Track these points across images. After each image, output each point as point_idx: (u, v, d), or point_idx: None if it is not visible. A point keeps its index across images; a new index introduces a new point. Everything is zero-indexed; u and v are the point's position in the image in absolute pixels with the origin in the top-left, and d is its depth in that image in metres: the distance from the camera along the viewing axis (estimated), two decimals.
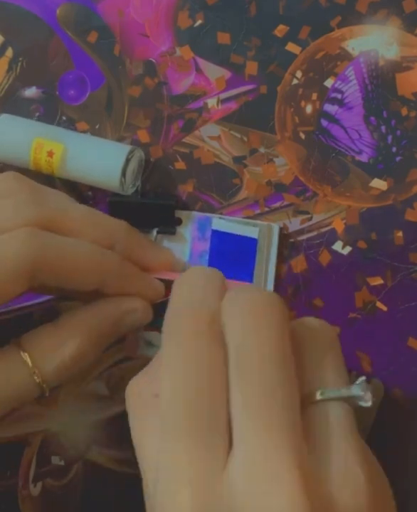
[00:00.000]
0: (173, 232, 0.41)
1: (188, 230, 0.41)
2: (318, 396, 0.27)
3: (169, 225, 0.41)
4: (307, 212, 0.41)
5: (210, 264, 0.41)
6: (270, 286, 0.41)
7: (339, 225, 0.40)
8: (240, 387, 0.26)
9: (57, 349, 0.35)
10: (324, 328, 0.31)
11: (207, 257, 0.41)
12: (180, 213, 0.41)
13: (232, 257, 0.41)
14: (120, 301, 0.37)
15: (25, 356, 0.35)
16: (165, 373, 0.27)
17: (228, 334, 0.28)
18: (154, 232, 0.41)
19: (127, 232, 0.38)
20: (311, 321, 0.31)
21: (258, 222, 0.40)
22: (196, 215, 0.41)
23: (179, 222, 0.41)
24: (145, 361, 0.34)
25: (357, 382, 0.28)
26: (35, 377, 0.34)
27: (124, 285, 0.37)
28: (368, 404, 0.27)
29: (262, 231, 0.40)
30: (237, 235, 0.41)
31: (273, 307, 0.28)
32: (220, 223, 0.41)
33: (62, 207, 0.36)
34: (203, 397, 0.26)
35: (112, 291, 0.37)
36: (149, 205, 0.41)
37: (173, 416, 0.26)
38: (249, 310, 0.28)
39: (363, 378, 0.28)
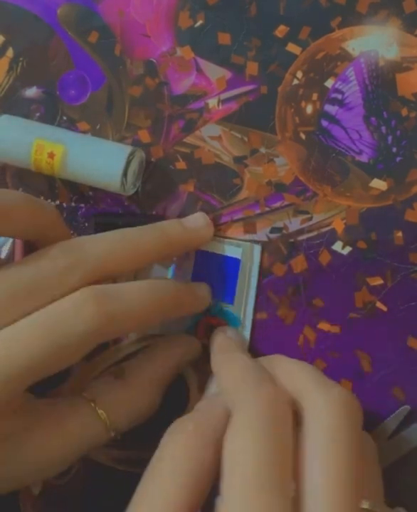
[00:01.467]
0: None
1: None
2: (365, 505, 0.30)
3: None
4: (307, 212, 0.41)
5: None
6: (251, 305, 0.41)
7: (339, 225, 0.40)
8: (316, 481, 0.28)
9: (130, 406, 0.38)
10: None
11: (190, 277, 0.42)
12: None
13: (215, 277, 0.41)
14: (177, 345, 0.40)
15: (102, 414, 0.37)
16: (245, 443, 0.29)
17: (310, 424, 0.30)
18: None
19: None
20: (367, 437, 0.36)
21: (242, 242, 0.40)
22: None
23: None
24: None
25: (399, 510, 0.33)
26: (112, 433, 0.37)
27: (179, 313, 0.39)
28: None
29: (246, 251, 0.40)
30: (220, 255, 0.41)
31: (359, 418, 0.31)
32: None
33: (97, 248, 0.36)
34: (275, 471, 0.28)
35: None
36: (134, 225, 0.40)
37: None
38: (341, 412, 0.30)
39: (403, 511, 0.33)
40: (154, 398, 0.39)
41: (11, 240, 0.43)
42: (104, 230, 0.39)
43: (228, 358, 0.37)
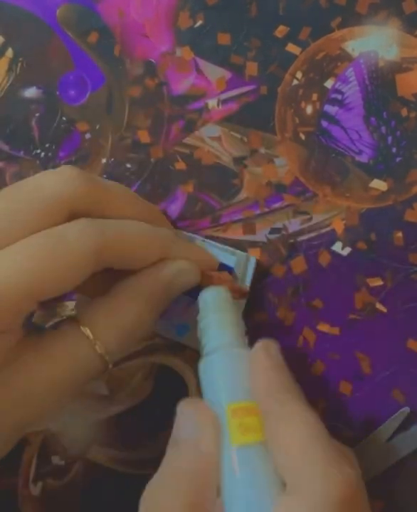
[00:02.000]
0: None
1: None
2: None
3: None
4: (307, 213, 0.41)
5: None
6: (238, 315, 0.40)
7: (338, 226, 0.40)
8: None
9: (115, 318, 0.35)
10: None
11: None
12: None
13: None
14: (169, 264, 0.37)
15: (86, 330, 0.34)
16: None
17: None
18: None
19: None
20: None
21: (238, 251, 0.40)
22: (184, 234, 0.41)
23: None
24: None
25: None
26: (98, 348, 0.34)
27: (183, 252, 0.37)
28: None
29: (239, 261, 0.40)
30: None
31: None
32: (202, 247, 0.41)
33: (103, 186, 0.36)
34: None
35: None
36: None
37: None
38: None
39: None
40: (143, 315, 0.36)
41: None
42: None
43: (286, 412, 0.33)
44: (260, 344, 0.35)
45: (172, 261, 0.37)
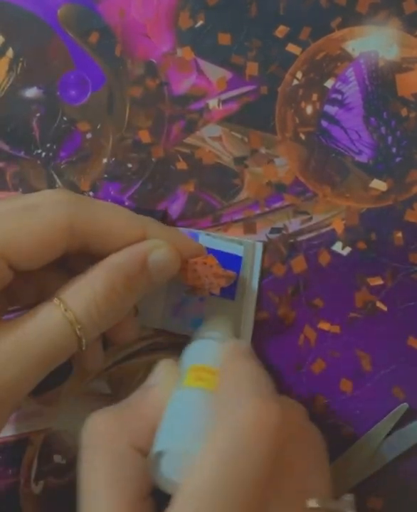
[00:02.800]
0: None
1: None
2: (312, 504, 0.31)
3: None
4: (307, 213, 0.41)
5: None
6: (253, 303, 0.41)
7: (338, 226, 0.40)
8: None
9: (86, 287, 0.35)
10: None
11: None
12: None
13: None
14: (144, 242, 0.37)
15: (57, 301, 0.34)
16: None
17: None
18: None
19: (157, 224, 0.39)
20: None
21: (243, 240, 0.41)
22: (183, 230, 0.41)
23: None
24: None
25: (346, 498, 0.33)
26: (68, 315, 0.34)
27: (165, 235, 0.37)
28: None
29: (247, 249, 0.40)
30: (222, 252, 0.41)
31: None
32: (207, 239, 0.41)
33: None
34: None
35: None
36: None
37: None
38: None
39: (351, 497, 0.33)
40: (116, 286, 0.35)
41: None
42: None
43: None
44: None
45: (150, 240, 0.37)
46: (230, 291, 0.41)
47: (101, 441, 0.33)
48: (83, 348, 0.35)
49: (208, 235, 0.41)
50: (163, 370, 0.36)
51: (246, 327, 0.41)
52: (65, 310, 0.34)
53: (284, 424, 0.30)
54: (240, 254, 0.40)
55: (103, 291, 0.35)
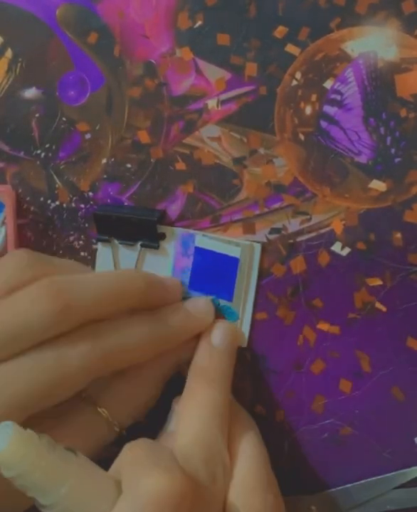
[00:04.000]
0: (156, 247, 0.42)
1: (171, 246, 0.42)
2: None
3: (152, 240, 0.42)
4: (306, 213, 0.41)
5: (192, 280, 0.42)
6: (250, 303, 0.41)
7: (338, 226, 0.40)
8: None
9: (131, 401, 0.38)
10: None
11: (189, 274, 0.42)
12: (164, 229, 0.42)
13: (213, 275, 0.41)
14: (179, 347, 0.40)
15: (104, 412, 0.37)
16: None
17: None
18: (138, 245, 0.42)
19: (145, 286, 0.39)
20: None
21: (241, 241, 0.41)
22: (180, 231, 0.42)
23: (163, 237, 0.42)
24: None
25: None
26: (116, 429, 0.37)
27: (147, 304, 0.39)
28: None
29: (244, 251, 0.40)
30: (219, 253, 0.41)
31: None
32: (204, 241, 0.41)
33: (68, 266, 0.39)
34: None
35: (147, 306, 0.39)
36: (133, 219, 0.41)
37: None
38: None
39: None
40: (154, 393, 0.40)
41: (3, 231, 0.43)
42: (103, 223, 0.42)
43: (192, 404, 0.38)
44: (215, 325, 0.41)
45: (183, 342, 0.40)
46: (227, 293, 0.41)
47: None
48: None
49: (204, 235, 0.41)
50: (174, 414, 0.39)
51: (244, 328, 0.42)
52: (114, 424, 0.38)
53: (190, 492, 0.30)
54: (237, 255, 0.41)
55: (147, 402, 0.39)
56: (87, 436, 0.36)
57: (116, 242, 0.42)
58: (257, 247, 0.41)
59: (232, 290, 0.41)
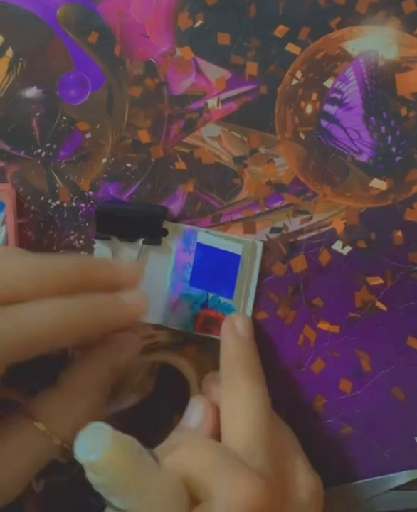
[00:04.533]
0: (158, 243, 0.42)
1: (173, 242, 0.42)
2: None
3: (155, 236, 0.42)
4: (307, 212, 0.41)
5: (193, 276, 0.42)
6: (250, 301, 0.41)
7: (338, 225, 0.40)
8: None
9: (68, 412, 0.36)
10: None
11: (190, 270, 0.42)
12: (167, 224, 0.42)
13: (215, 271, 0.41)
14: (112, 350, 0.38)
15: (40, 425, 0.35)
16: None
17: None
18: (140, 242, 0.42)
19: (80, 268, 0.36)
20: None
21: (243, 239, 0.41)
22: (183, 227, 0.42)
23: (165, 233, 0.42)
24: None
25: None
26: (55, 441, 0.35)
27: (106, 324, 0.37)
28: None
29: (246, 248, 0.40)
30: (221, 250, 0.41)
31: None
32: (206, 237, 0.41)
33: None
34: None
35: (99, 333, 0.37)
36: (136, 215, 0.41)
37: None
38: None
39: None
40: (94, 400, 0.38)
41: (3, 230, 0.43)
42: (106, 219, 0.41)
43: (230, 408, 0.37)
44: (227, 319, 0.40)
45: (114, 340, 0.38)
46: (228, 290, 0.41)
47: None
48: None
49: (207, 232, 0.41)
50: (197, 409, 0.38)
51: None
52: (53, 437, 0.35)
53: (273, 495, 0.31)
54: (238, 252, 0.41)
55: (86, 411, 0.36)
56: (25, 453, 0.35)
57: (116, 240, 0.42)
58: (259, 245, 0.41)
59: (233, 287, 0.41)
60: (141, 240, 0.42)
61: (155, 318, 0.42)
